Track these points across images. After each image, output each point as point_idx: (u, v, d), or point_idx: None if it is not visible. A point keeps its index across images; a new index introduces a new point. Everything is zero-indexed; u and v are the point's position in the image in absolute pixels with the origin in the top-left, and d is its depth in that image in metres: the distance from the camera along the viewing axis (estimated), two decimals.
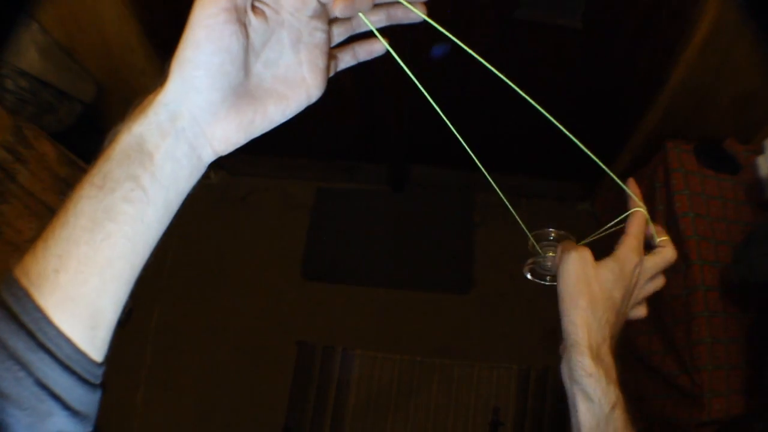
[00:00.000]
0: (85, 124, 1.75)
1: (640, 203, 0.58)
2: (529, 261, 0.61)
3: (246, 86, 0.40)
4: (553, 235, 0.59)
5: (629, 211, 0.58)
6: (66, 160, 1.68)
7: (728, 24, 1.41)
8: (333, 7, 0.39)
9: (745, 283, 1.30)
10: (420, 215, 2.28)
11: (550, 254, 0.59)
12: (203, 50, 0.37)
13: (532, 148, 2.07)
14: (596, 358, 0.49)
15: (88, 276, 0.37)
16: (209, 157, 0.40)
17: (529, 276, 0.61)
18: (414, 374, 2.01)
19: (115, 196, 0.37)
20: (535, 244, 0.60)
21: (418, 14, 0.45)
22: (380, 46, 0.49)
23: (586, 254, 0.53)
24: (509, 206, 0.59)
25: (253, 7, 0.39)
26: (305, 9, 0.40)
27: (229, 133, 0.40)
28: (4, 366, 0.36)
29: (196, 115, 0.38)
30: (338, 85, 1.93)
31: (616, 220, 0.58)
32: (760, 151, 1.52)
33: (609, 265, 0.53)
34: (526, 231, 0.60)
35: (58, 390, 0.38)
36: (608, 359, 0.50)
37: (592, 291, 0.51)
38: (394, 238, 2.24)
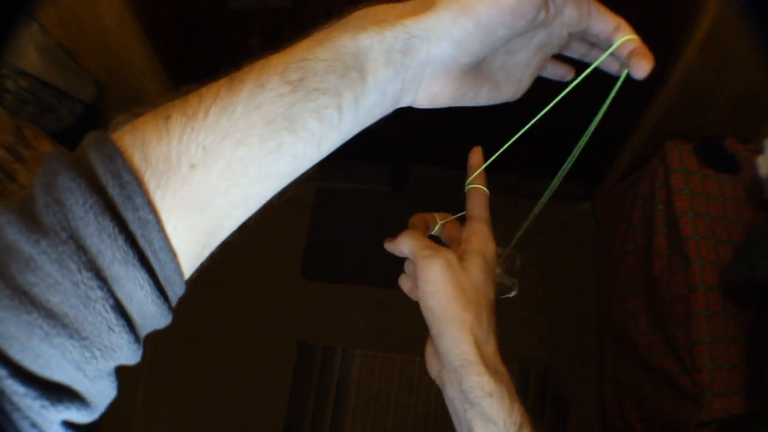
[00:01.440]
0: (85, 124, 1.75)
1: (482, 178, 0.50)
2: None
3: (485, 60, 0.37)
4: (497, 253, 0.58)
5: (468, 187, 0.50)
6: None
7: (728, 24, 1.41)
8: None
9: (745, 282, 1.30)
10: None
11: (498, 271, 0.54)
12: (495, 14, 0.32)
13: (532, 148, 2.07)
14: (494, 373, 0.42)
15: (232, 186, 0.30)
16: (406, 104, 0.36)
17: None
18: (414, 374, 2.01)
19: (306, 107, 0.31)
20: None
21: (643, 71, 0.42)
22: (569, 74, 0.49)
23: (451, 257, 0.45)
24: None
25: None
26: (575, 26, 0.39)
27: (442, 94, 0.36)
28: (72, 276, 0.26)
29: (431, 62, 0.33)
30: None
31: (502, 254, 0.53)
32: (760, 151, 1.52)
33: (476, 263, 0.45)
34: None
35: (137, 319, 0.30)
36: (503, 370, 0.44)
37: (471, 300, 0.43)
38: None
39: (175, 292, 0.31)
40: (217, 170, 0.29)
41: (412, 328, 2.25)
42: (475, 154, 0.51)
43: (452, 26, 0.32)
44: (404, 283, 0.54)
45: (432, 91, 0.35)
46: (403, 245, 0.48)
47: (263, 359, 2.05)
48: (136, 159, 0.28)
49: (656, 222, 1.62)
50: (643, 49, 0.41)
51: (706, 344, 1.41)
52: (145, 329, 0.31)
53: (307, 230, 2.23)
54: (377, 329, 2.10)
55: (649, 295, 1.67)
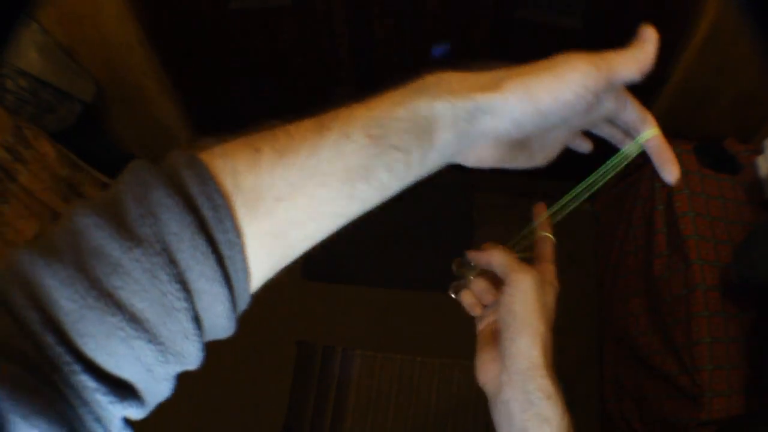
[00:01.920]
0: (85, 124, 1.75)
1: (547, 228, 0.57)
2: (453, 284, 0.63)
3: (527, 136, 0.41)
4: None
5: (534, 224, 0.57)
6: (66, 160, 1.68)
7: (728, 24, 1.41)
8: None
9: (745, 282, 1.30)
10: (420, 215, 2.28)
11: (471, 277, 0.59)
12: (554, 105, 0.37)
13: None
14: (553, 378, 0.47)
15: (308, 221, 0.34)
16: (456, 161, 0.40)
17: (453, 296, 0.63)
18: (414, 374, 2.01)
19: (381, 160, 0.35)
20: (455, 270, 0.62)
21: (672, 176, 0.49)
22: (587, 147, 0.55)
23: (540, 277, 0.51)
24: None
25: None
26: (611, 116, 0.44)
27: (488, 158, 0.40)
28: (161, 286, 0.29)
29: (488, 133, 0.37)
30: (338, 85, 1.94)
31: (525, 231, 0.57)
32: (760, 151, 1.52)
33: (551, 291, 0.52)
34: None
35: (210, 331, 0.34)
36: (556, 380, 0.48)
37: (545, 316, 0.49)
38: (394, 238, 2.24)
39: (241, 308, 0.36)
40: (299, 206, 0.33)
41: (412, 328, 2.25)
42: (539, 208, 0.58)
43: (515, 108, 0.37)
44: (466, 297, 0.59)
45: (480, 155, 0.40)
46: (495, 258, 0.52)
47: (263, 359, 2.05)
48: (228, 184, 0.31)
49: (656, 222, 1.62)
50: (668, 152, 0.48)
51: (706, 344, 1.41)
52: (208, 338, 0.35)
53: None
54: (377, 329, 2.10)
55: (649, 295, 1.67)
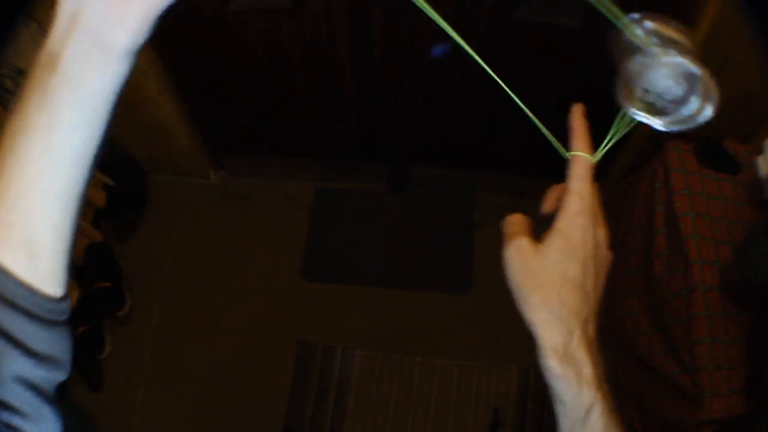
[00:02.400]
0: None
1: (585, 143, 0.47)
2: (635, 66, 0.37)
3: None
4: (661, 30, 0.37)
5: (570, 153, 0.47)
6: None
7: (728, 24, 1.41)
8: None
9: (745, 282, 1.30)
10: (420, 215, 2.28)
11: (664, 58, 0.37)
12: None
13: (532, 148, 2.07)
14: (563, 358, 0.43)
15: (15, 201, 0.35)
16: (122, 45, 0.36)
17: (640, 116, 0.40)
18: (414, 374, 2.01)
19: (28, 110, 0.35)
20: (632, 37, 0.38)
21: None
22: None
23: (522, 243, 0.45)
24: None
25: None
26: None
27: (129, 16, 0.36)
28: None
29: (93, 5, 0.35)
30: (338, 85, 1.94)
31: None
32: (760, 151, 1.51)
33: (553, 244, 0.45)
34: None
35: (7, 328, 0.35)
36: (580, 355, 0.44)
37: (541, 283, 0.44)
38: (394, 238, 2.24)
39: (34, 302, 0.36)
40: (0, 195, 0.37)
41: (412, 328, 2.24)
42: (577, 115, 0.49)
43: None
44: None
45: (119, 26, 0.38)
46: (507, 223, 0.48)
47: (263, 359, 2.05)
48: None
49: (656, 222, 1.62)
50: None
51: (706, 344, 1.41)
52: (40, 344, 0.37)
53: (307, 230, 2.23)
54: (377, 329, 2.10)
55: (649, 295, 1.67)
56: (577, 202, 0.46)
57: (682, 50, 0.38)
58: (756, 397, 1.38)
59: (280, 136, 2.16)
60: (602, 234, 0.47)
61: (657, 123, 0.41)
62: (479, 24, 1.60)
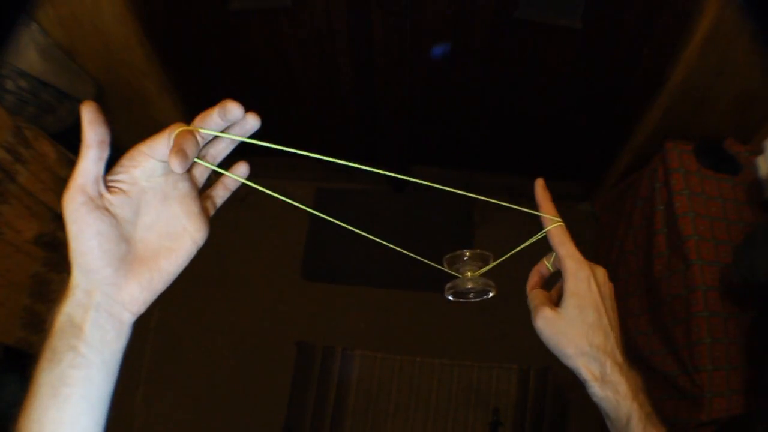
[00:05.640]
0: None
1: (555, 216, 0.57)
2: (449, 285, 0.63)
3: (134, 252, 0.46)
4: (467, 254, 0.62)
5: (546, 229, 0.57)
6: (66, 161, 1.68)
7: (728, 24, 1.41)
8: (171, 166, 0.41)
9: (745, 283, 1.30)
10: (420, 215, 2.28)
11: (468, 274, 0.62)
12: (80, 240, 0.42)
13: (532, 148, 2.07)
14: (602, 383, 0.54)
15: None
16: (129, 318, 0.46)
17: (451, 298, 0.63)
18: (414, 374, 2.01)
19: (63, 365, 0.42)
20: (447, 269, 0.63)
21: (239, 138, 0.49)
22: (243, 170, 0.54)
23: (546, 313, 0.56)
24: None
25: (109, 188, 0.44)
26: (155, 172, 0.45)
27: (135, 295, 0.46)
28: None
29: (102, 289, 0.44)
30: (338, 85, 1.94)
31: (530, 240, 0.58)
32: (760, 151, 1.51)
33: (569, 304, 0.55)
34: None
35: None
36: (615, 377, 0.54)
37: (571, 338, 0.55)
38: (394, 238, 2.23)
39: None
40: (49, 429, 0.42)
41: (412, 328, 2.24)
42: (539, 188, 0.58)
43: (79, 266, 0.44)
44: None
45: (128, 299, 0.46)
46: (530, 299, 0.59)
47: (263, 359, 2.05)
48: None
49: (656, 222, 1.62)
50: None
51: (706, 345, 1.41)
52: None
53: (307, 230, 2.23)
54: (377, 329, 2.10)
55: (649, 295, 1.67)
56: (572, 264, 0.56)
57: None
58: (756, 397, 1.38)
59: (280, 136, 2.16)
60: (601, 273, 0.57)
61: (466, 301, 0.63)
62: (479, 24, 1.60)
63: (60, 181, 1.67)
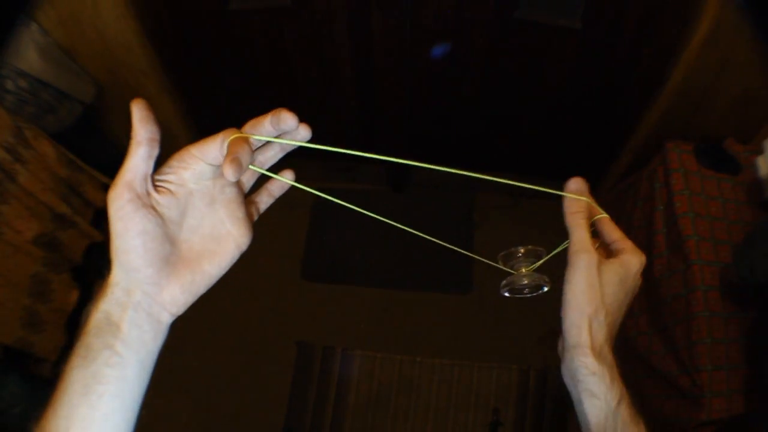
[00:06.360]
0: (85, 124, 1.75)
1: (599, 209, 0.58)
2: (505, 282, 0.62)
3: (177, 253, 0.46)
4: (521, 251, 0.61)
5: (595, 218, 0.58)
6: (66, 161, 1.68)
7: (728, 24, 1.41)
8: (224, 174, 0.41)
9: (745, 283, 1.30)
10: (420, 215, 2.27)
11: (523, 270, 0.61)
12: (124, 237, 0.42)
13: (532, 148, 2.07)
14: (599, 357, 0.51)
15: (91, 431, 0.42)
16: (168, 318, 0.46)
17: (507, 294, 0.62)
18: (414, 374, 2.01)
19: (98, 363, 0.42)
20: (503, 266, 0.63)
21: (294, 143, 0.49)
22: (290, 176, 0.53)
23: (594, 259, 0.53)
24: None
25: (158, 188, 0.44)
26: (203, 175, 0.45)
27: (176, 296, 0.45)
28: None
29: (143, 289, 0.44)
30: (338, 85, 1.94)
31: (565, 244, 0.57)
32: (760, 151, 1.51)
33: (615, 268, 0.54)
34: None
35: None
36: (610, 357, 0.52)
37: (598, 297, 0.52)
38: (394, 238, 2.23)
39: None
40: (78, 425, 0.42)
41: (412, 328, 2.23)
42: (578, 183, 0.58)
43: (121, 265, 0.44)
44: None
45: (168, 300, 0.47)
46: (573, 229, 0.56)
47: (263, 359, 2.05)
48: None
49: (656, 222, 1.62)
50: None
51: (706, 344, 1.41)
52: None
53: (307, 230, 2.23)
54: (377, 329, 2.10)
55: (649, 295, 1.67)
56: (633, 246, 0.55)
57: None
58: (756, 397, 1.38)
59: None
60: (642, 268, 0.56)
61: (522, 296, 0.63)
62: (479, 24, 1.60)
63: (60, 181, 1.67)
